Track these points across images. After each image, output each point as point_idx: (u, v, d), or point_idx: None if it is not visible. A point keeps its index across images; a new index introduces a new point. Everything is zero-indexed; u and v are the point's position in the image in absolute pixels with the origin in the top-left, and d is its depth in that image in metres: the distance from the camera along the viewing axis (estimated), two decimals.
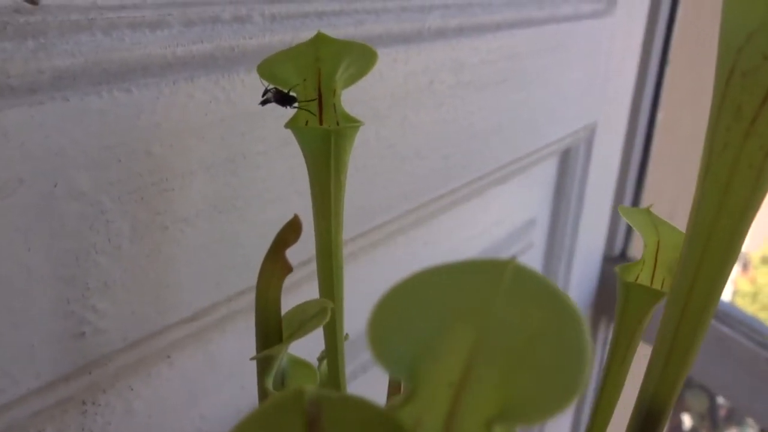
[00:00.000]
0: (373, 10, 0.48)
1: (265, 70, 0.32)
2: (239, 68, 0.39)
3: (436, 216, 0.63)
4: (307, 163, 0.34)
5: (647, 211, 0.35)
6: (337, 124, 0.34)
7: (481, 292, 0.18)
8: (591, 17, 0.75)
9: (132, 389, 0.40)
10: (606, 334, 1.07)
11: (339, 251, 0.36)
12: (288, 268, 0.28)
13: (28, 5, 0.31)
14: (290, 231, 0.27)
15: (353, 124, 0.33)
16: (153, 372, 0.41)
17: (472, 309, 0.18)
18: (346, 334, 0.40)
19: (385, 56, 0.48)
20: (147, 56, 0.34)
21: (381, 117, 0.50)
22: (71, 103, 0.31)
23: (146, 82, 0.34)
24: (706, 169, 0.28)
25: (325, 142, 0.33)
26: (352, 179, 0.47)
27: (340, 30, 0.45)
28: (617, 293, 0.35)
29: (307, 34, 0.42)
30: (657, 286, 0.36)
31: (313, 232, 0.35)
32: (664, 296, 0.34)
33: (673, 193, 1.21)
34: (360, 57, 0.33)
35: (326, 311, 0.30)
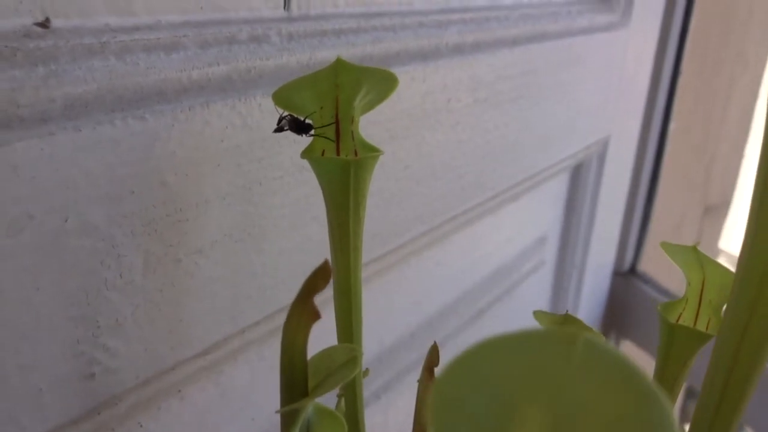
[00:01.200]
0: (390, 26, 0.46)
1: (281, 97, 0.31)
2: (256, 91, 0.37)
3: (448, 236, 0.61)
4: (324, 194, 0.32)
5: (693, 248, 0.33)
6: (356, 153, 0.32)
7: (550, 370, 0.16)
8: (606, 29, 0.73)
9: (141, 426, 0.38)
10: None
11: (358, 287, 0.34)
12: (316, 315, 0.26)
13: (38, 29, 0.29)
14: (319, 277, 0.25)
15: (373, 153, 0.32)
16: (163, 407, 0.39)
17: (542, 389, 0.16)
18: (366, 369, 0.39)
19: (402, 75, 0.46)
20: (162, 81, 0.32)
21: (398, 138, 0.48)
22: (83, 133, 0.29)
23: (161, 109, 0.32)
24: (759, 204, 0.26)
25: (344, 174, 0.31)
26: (366, 202, 0.45)
27: (357, 48, 0.43)
28: (659, 334, 0.34)
29: (324, 54, 0.41)
30: (701, 326, 0.34)
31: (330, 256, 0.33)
32: (710, 339, 0.32)
33: (682, 204, 1.20)
34: (380, 83, 0.32)
35: (355, 361, 0.29)
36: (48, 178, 0.28)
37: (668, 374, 0.33)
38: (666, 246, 0.34)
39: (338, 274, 0.34)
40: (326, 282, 0.26)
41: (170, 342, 0.36)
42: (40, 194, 0.28)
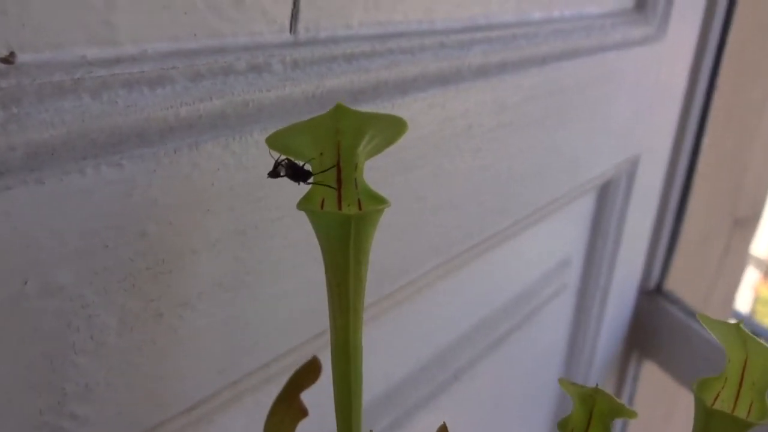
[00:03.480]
0: (408, 48, 0.42)
1: (276, 142, 0.27)
2: (253, 127, 0.33)
3: (465, 264, 0.57)
4: (322, 250, 0.29)
5: (737, 326, 0.30)
6: (359, 204, 0.29)
7: None
8: (641, 43, 0.69)
9: None
10: (637, 369, 1.02)
11: (358, 352, 0.30)
12: (303, 414, 0.22)
13: (0, 66, 0.26)
14: (307, 373, 0.22)
15: (378, 206, 0.28)
16: None
17: None
18: None
19: (420, 102, 0.43)
20: (144, 121, 0.29)
21: (411, 167, 0.44)
22: (47, 186, 0.26)
23: (141, 153, 0.29)
24: None
25: (343, 229, 0.28)
26: (375, 239, 0.41)
27: (371, 74, 0.39)
28: (694, 416, 0.30)
29: (333, 82, 0.37)
30: (742, 407, 0.30)
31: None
32: (752, 426, 0.29)
33: (710, 216, 1.15)
34: (386, 128, 0.28)
35: None
36: (4, 239, 0.25)
37: None
38: (705, 319, 0.31)
39: (336, 335, 0.30)
40: (315, 379, 0.22)
41: (151, 402, 0.33)
42: None
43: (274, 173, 0.30)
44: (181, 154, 0.30)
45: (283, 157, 0.29)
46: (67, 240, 0.27)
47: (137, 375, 0.32)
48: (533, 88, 0.54)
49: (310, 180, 0.29)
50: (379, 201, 0.29)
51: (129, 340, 0.31)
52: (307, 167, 0.29)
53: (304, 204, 0.29)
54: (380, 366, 0.53)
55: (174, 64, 0.30)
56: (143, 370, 0.32)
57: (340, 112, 0.27)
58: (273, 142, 0.28)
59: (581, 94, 0.61)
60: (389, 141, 0.30)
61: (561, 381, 0.35)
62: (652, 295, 0.98)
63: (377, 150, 0.30)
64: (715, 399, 0.32)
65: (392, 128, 0.29)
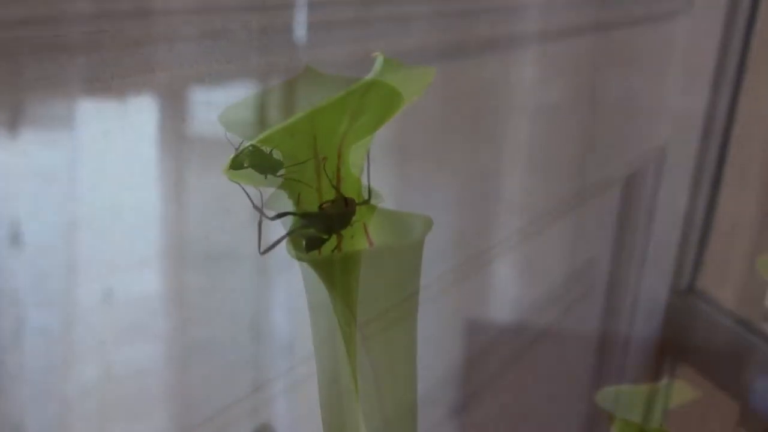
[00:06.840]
0: (400, 16, 0.37)
1: (229, 120, 0.22)
2: (210, 106, 0.28)
3: (482, 268, 0.52)
4: (301, 267, 0.23)
5: None
6: (345, 201, 0.23)
7: None
8: (666, 18, 0.64)
9: None
10: (671, 375, 0.96)
11: (352, 385, 0.24)
12: None
13: None
14: None
15: (369, 203, 0.23)
16: None
17: None
18: None
19: None
20: (61, 97, 0.23)
21: (410, 158, 0.39)
22: None
23: (58, 138, 0.23)
24: None
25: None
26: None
27: (356, 46, 0.34)
28: None
29: (312, 53, 0.32)
30: None
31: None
32: None
33: (739, 206, 1.10)
34: (374, 100, 0.22)
35: None
36: None
37: None
38: None
39: (322, 369, 0.25)
40: None
41: None
42: None
43: (236, 164, 0.24)
44: (113, 138, 0.24)
45: (245, 142, 0.23)
46: None
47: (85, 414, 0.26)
48: (548, 66, 0.49)
49: (281, 172, 0.23)
50: (371, 196, 0.24)
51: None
52: (277, 155, 0.23)
53: (274, 203, 0.23)
54: (390, 383, 0.47)
55: (102, 27, 0.25)
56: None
57: (309, 76, 0.21)
58: (226, 120, 0.22)
59: (601, 74, 0.57)
60: (380, 120, 0.24)
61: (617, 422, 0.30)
62: (685, 294, 0.92)
63: (366, 130, 0.24)
64: None
65: (382, 99, 0.23)
